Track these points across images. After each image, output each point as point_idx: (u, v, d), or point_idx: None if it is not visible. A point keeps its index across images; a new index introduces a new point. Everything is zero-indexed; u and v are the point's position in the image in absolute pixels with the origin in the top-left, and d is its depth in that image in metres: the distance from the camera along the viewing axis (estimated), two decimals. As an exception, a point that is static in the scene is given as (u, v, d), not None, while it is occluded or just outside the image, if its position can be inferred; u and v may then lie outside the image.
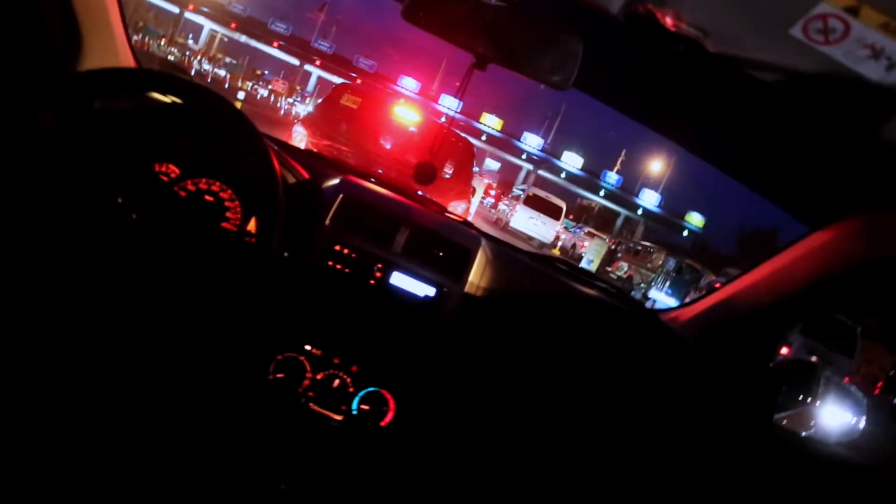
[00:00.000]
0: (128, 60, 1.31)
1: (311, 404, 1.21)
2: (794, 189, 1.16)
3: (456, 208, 4.31)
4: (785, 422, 1.53)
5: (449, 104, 26.72)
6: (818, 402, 1.69)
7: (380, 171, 4.24)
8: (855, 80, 0.66)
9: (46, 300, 0.91)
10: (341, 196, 1.31)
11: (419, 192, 1.58)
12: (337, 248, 1.26)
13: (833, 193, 1.06)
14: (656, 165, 39.82)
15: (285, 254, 1.20)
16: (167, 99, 1.10)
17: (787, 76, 0.74)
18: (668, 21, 0.73)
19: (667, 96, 1.06)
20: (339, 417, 1.22)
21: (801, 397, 1.66)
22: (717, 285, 1.50)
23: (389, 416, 1.23)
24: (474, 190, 6.55)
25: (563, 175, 36.27)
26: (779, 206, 1.23)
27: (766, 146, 1.03)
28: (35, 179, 0.82)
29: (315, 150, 3.42)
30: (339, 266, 1.26)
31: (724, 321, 1.42)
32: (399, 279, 1.28)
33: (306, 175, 1.34)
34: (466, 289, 1.33)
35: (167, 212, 1.12)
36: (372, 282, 1.27)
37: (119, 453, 1.11)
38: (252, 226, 1.15)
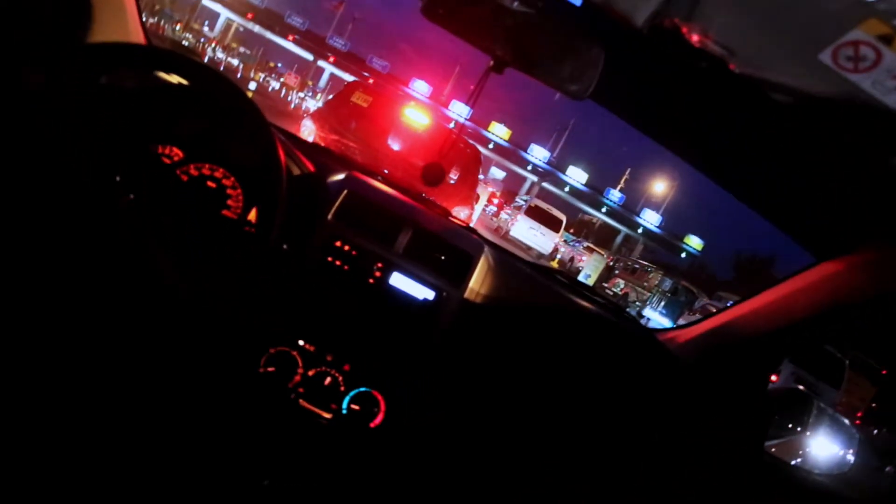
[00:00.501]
0: (138, 39, 1.30)
1: (300, 401, 1.19)
2: (805, 218, 1.14)
3: (459, 214, 4.30)
4: (774, 449, 1.51)
5: (459, 110, 26.77)
6: (808, 433, 1.67)
7: (386, 170, 4.23)
8: (880, 110, 0.64)
9: (30, 278, 0.88)
10: (346, 192, 1.29)
11: (423, 195, 1.56)
12: (337, 244, 1.24)
13: (845, 225, 1.05)
14: (659, 186, 39.99)
15: (284, 246, 1.18)
16: (175, 80, 1.08)
17: (810, 102, 0.72)
18: (694, 37, 0.71)
19: (683, 113, 1.05)
20: (328, 416, 1.20)
21: (791, 426, 1.65)
22: (705, 303, 1.49)
23: (379, 418, 1.21)
24: (478, 197, 6.56)
25: (566, 189, 36.34)
26: (788, 234, 1.21)
27: (781, 172, 1.01)
28: (26, 149, 0.79)
29: (322, 144, 3.41)
30: (338, 262, 1.24)
31: (722, 345, 1.41)
32: (398, 280, 1.26)
33: (312, 168, 1.32)
34: (466, 295, 1.31)
35: (167, 195, 1.10)
36: (371, 281, 1.25)
37: (99, 439, 1.08)
38: (253, 215, 1.14)
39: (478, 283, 1.34)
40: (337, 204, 1.27)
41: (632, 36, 0.76)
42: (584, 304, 1.45)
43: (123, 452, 1.09)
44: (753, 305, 1.35)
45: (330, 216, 1.26)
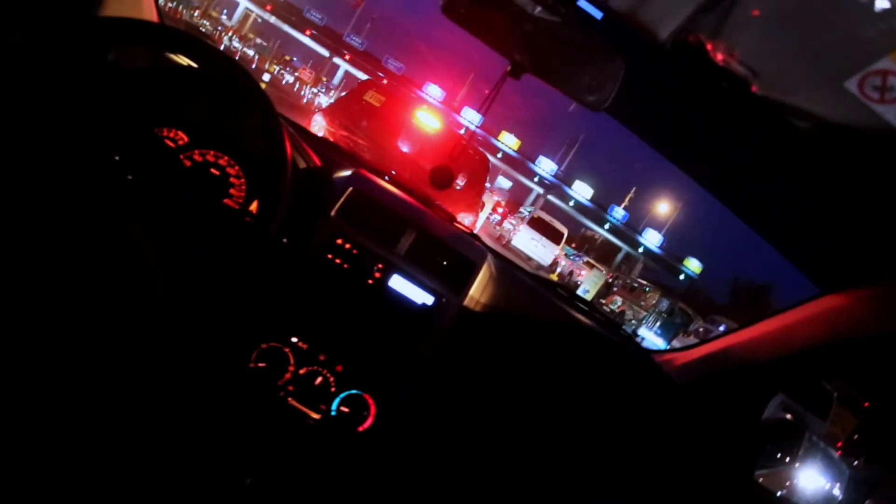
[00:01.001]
0: (151, 19, 1.28)
1: (289, 399, 1.17)
2: (815, 248, 1.12)
3: (463, 220, 4.28)
4: (762, 479, 1.50)
5: (470, 117, 26.80)
6: (797, 464, 1.66)
7: (393, 171, 4.21)
8: None
9: (12, 255, 0.85)
10: (351, 189, 1.27)
11: (429, 198, 1.55)
12: (339, 241, 1.22)
13: (856, 259, 1.03)
14: (663, 207, 40.04)
15: (285, 240, 1.16)
16: (185, 62, 1.07)
17: (832, 130, 0.71)
18: (718, 56, 0.70)
19: (699, 133, 1.03)
20: (316, 416, 1.18)
21: (779, 455, 1.63)
22: (700, 326, 1.48)
23: (368, 422, 1.19)
24: (483, 205, 6.55)
25: (571, 203, 36.38)
26: (794, 263, 1.20)
27: (795, 200, 0.99)
28: (24, 119, 0.77)
29: (331, 139, 3.40)
30: (338, 260, 1.22)
31: (719, 371, 1.39)
32: (398, 283, 1.24)
33: (318, 162, 1.31)
34: (465, 302, 1.29)
35: (168, 179, 1.08)
36: (370, 281, 1.23)
37: (76, 428, 1.04)
38: (255, 206, 1.12)
39: (478, 291, 1.32)
40: (341, 201, 1.25)
41: (654, 50, 0.75)
42: (583, 319, 1.43)
43: (103, 444, 1.06)
44: (753, 333, 1.33)
45: (333, 212, 1.24)
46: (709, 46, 0.69)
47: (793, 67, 0.67)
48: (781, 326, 1.26)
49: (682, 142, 1.13)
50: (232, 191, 1.14)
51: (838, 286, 1.12)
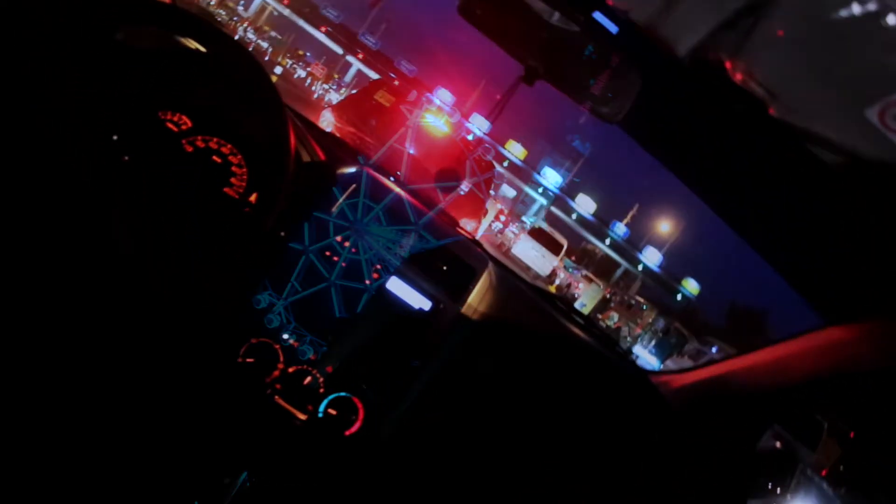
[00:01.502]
0: None
1: (276, 397, 1.15)
2: (822, 279, 1.10)
3: (465, 226, 4.27)
4: (751, 510, 1.48)
5: (479, 124, 26.88)
6: (788, 496, 1.64)
7: (399, 171, 4.20)
8: None
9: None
10: (353, 186, 1.26)
11: (433, 202, 1.53)
12: (338, 239, 1.21)
13: (862, 291, 1.01)
14: (665, 226, 40.02)
15: (282, 233, 1.14)
16: (194, 46, 1.05)
17: (849, 159, 0.69)
18: (737, 75, 0.68)
19: (711, 152, 1.02)
20: (303, 417, 1.15)
21: (770, 486, 1.62)
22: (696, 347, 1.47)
23: (355, 427, 1.17)
24: (486, 212, 6.55)
25: (573, 216, 36.35)
26: (799, 291, 1.17)
27: (805, 227, 0.98)
28: (25, 93, 0.75)
29: (339, 135, 3.39)
30: (335, 258, 1.20)
31: (716, 397, 1.37)
32: (396, 285, 1.22)
33: (323, 157, 1.29)
34: (463, 309, 1.27)
35: (167, 163, 1.06)
36: (367, 282, 1.22)
37: (61, 422, 1.02)
38: (255, 197, 1.10)
39: (477, 299, 1.30)
40: (343, 198, 1.24)
41: (672, 65, 0.73)
42: (581, 334, 1.41)
43: (85, 436, 1.03)
44: (752, 361, 1.31)
45: (334, 209, 1.22)
46: (728, 65, 0.68)
47: (812, 92, 0.65)
48: (781, 356, 1.24)
49: (693, 160, 1.11)
50: (233, 180, 1.12)
51: (842, 318, 1.11)
